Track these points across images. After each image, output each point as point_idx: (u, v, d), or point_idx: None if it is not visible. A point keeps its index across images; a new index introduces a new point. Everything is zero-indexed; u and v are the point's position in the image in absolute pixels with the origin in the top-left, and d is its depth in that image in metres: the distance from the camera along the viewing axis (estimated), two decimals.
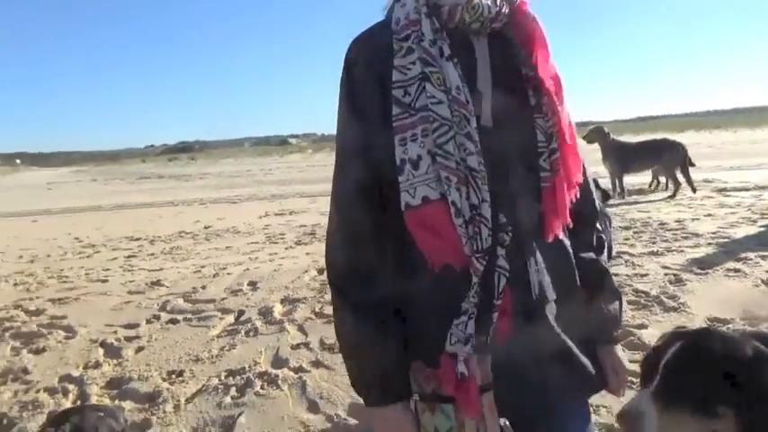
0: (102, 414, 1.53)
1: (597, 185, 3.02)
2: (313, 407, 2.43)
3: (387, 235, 0.86)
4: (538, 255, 0.87)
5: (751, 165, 12.01)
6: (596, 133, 9.07)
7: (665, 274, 3.88)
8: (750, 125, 42.86)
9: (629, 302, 3.38)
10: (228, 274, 4.88)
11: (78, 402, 2.60)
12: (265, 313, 3.67)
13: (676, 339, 1.00)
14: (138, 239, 7.18)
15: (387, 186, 0.83)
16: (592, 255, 0.99)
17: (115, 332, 3.49)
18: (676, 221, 5.91)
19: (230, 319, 3.65)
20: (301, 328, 3.37)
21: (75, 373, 2.91)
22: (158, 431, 2.33)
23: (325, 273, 0.96)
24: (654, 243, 4.91)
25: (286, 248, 5.92)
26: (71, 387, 2.78)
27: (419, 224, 0.81)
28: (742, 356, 0.93)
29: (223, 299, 4.09)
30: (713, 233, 5.18)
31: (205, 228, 7.94)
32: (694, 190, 8.20)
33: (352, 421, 2.28)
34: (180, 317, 3.72)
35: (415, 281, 0.85)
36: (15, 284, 4.96)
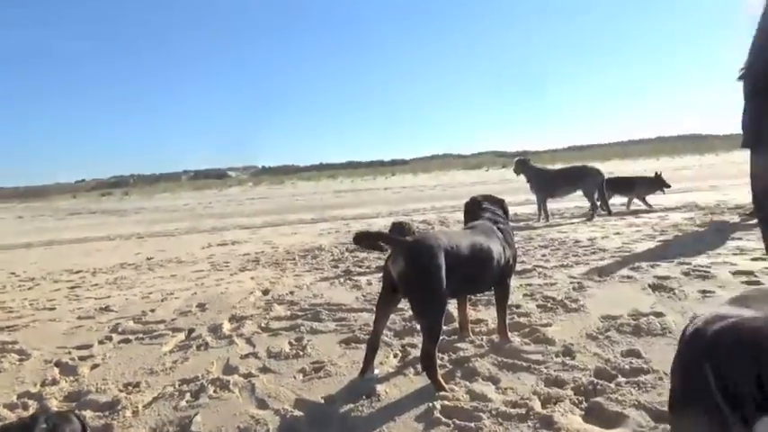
0: (55, 417, 1.78)
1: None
2: (262, 404, 2.73)
3: None
4: None
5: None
6: (520, 164, 9.85)
7: (570, 283, 4.46)
8: (672, 153, 46.51)
9: (539, 306, 3.90)
10: (176, 298, 5.09)
11: None
12: (215, 330, 3.94)
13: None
14: (78, 272, 7.20)
15: None
16: None
17: (69, 353, 3.66)
18: (588, 239, 6.59)
19: (181, 336, 3.89)
20: (249, 341, 3.66)
21: (33, 390, 3.08)
22: None
23: None
24: (566, 258, 5.51)
25: (231, 274, 6.17)
26: (30, 402, 2.94)
27: None
28: None
29: (173, 319, 4.32)
30: (618, 248, 5.86)
31: (147, 259, 8.03)
32: (609, 212, 9.07)
33: (298, 413, 2.60)
34: (132, 336, 3.93)
35: None
36: None
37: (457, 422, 2.36)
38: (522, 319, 3.63)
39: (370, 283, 5.04)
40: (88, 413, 2.75)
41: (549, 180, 9.62)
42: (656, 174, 10.22)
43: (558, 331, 3.37)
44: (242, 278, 5.88)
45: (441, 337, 3.36)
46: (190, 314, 4.46)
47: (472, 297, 4.13)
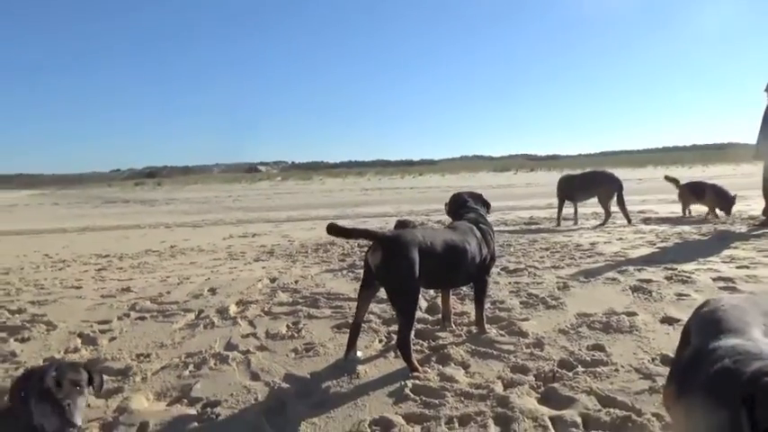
0: (67, 368, 2.10)
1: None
2: (254, 377, 3.05)
3: None
4: None
5: None
6: None
7: (556, 282, 4.70)
8: (708, 161, 45.94)
9: (521, 302, 4.16)
10: (191, 282, 5.50)
11: None
12: (222, 312, 4.30)
13: None
14: (106, 256, 7.69)
15: None
16: None
17: (91, 326, 4.07)
18: (590, 244, 6.78)
19: (191, 316, 4.27)
20: (251, 323, 4.01)
21: (57, 356, 3.48)
22: (128, 395, 2.91)
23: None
24: (562, 260, 5.73)
25: (245, 264, 6.57)
26: None
27: None
28: None
29: (185, 301, 4.71)
30: (614, 252, 6.05)
31: (171, 247, 8.50)
32: (629, 221, 8.96)
33: (285, 385, 2.93)
34: (147, 315, 4.33)
35: None
36: None
37: (424, 398, 2.65)
38: (503, 314, 3.89)
39: None
40: (103, 377, 3.13)
41: (568, 185, 9.69)
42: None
43: (533, 325, 3.63)
44: (254, 267, 6.27)
45: (425, 326, 3.68)
46: (201, 297, 4.86)
47: (461, 291, 4.41)
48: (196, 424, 2.54)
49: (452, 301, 4.11)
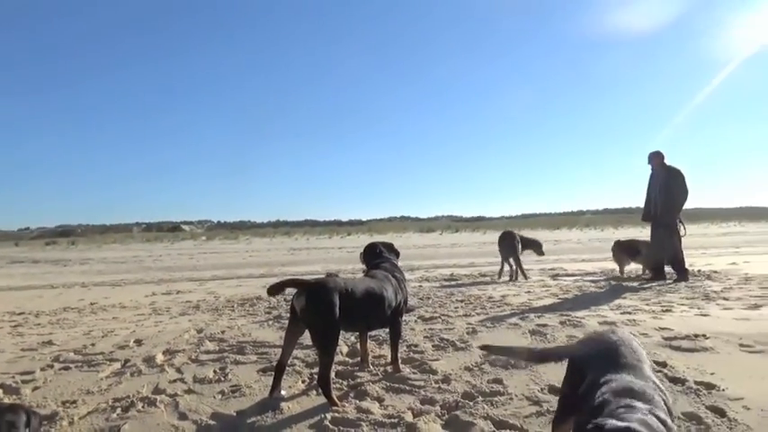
0: (4, 409, 2.23)
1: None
2: (182, 416, 3.23)
3: None
4: None
5: (596, 258, 14.39)
6: None
7: (466, 328, 5.17)
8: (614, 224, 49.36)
9: (434, 346, 4.58)
10: (116, 335, 5.53)
11: None
12: (148, 360, 4.42)
13: None
14: (21, 314, 7.45)
15: None
16: None
17: (12, 377, 4.07)
18: (501, 296, 7.37)
19: (117, 365, 4.35)
20: (179, 370, 4.16)
21: None
22: None
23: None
24: (474, 309, 6.25)
25: (170, 318, 6.62)
26: None
27: None
28: None
29: (111, 352, 4.76)
30: (521, 303, 6.66)
31: (91, 304, 8.34)
32: (525, 277, 9.78)
33: (212, 422, 3.13)
34: (72, 365, 4.36)
35: None
36: None
37: (341, 428, 2.96)
38: (417, 355, 4.28)
39: None
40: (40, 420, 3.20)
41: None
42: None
43: (442, 364, 4.04)
44: (180, 320, 6.36)
45: (345, 368, 4.00)
46: (127, 348, 4.93)
47: (379, 336, 4.77)
48: None
49: (371, 345, 4.46)
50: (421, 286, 9.08)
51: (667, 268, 8.89)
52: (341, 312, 3.32)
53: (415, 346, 4.59)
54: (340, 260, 20.76)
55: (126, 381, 3.94)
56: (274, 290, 3.38)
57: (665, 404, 1.68)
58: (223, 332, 5.47)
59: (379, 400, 3.40)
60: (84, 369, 4.27)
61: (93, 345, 5.09)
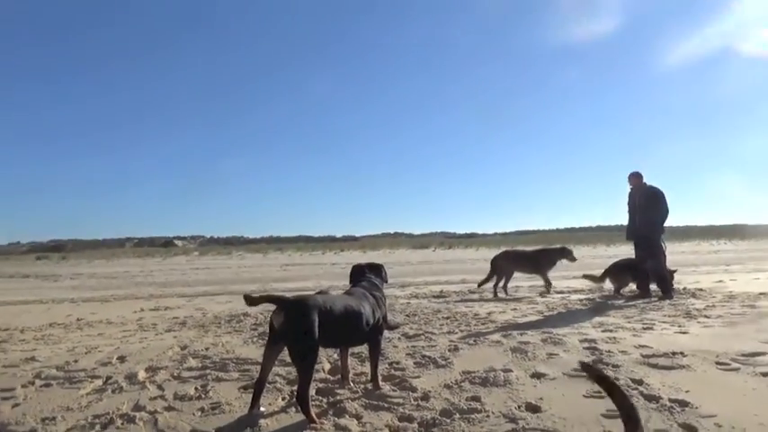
0: None
1: None
2: None
3: None
4: None
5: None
6: None
7: (449, 345, 5.21)
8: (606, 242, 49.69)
9: (415, 363, 4.62)
10: (100, 352, 5.52)
11: None
12: (130, 377, 4.43)
13: None
14: (6, 330, 7.42)
15: None
16: None
17: None
18: (487, 313, 7.42)
19: (99, 382, 4.35)
20: (160, 387, 4.17)
21: None
22: None
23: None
24: (459, 327, 6.30)
25: (156, 334, 6.62)
26: None
27: None
28: None
29: (93, 368, 4.77)
30: (506, 320, 6.71)
31: (78, 320, 8.31)
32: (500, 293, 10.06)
33: None
34: (54, 382, 4.37)
35: None
36: None
37: None
38: (398, 372, 4.32)
39: None
40: None
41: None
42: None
43: (423, 381, 4.07)
44: (165, 337, 6.36)
45: (326, 385, 4.03)
46: (110, 365, 4.93)
47: (362, 354, 4.80)
48: None
49: (353, 363, 4.50)
50: (409, 303, 9.11)
51: (653, 286, 8.97)
52: (319, 329, 3.36)
53: (397, 363, 4.62)
54: (333, 276, 20.75)
55: (107, 398, 3.95)
56: (252, 301, 3.41)
57: None
58: (207, 349, 5.49)
59: (358, 417, 3.42)
60: (66, 386, 4.27)
61: (75, 361, 5.09)
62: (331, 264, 31.83)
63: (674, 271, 9.75)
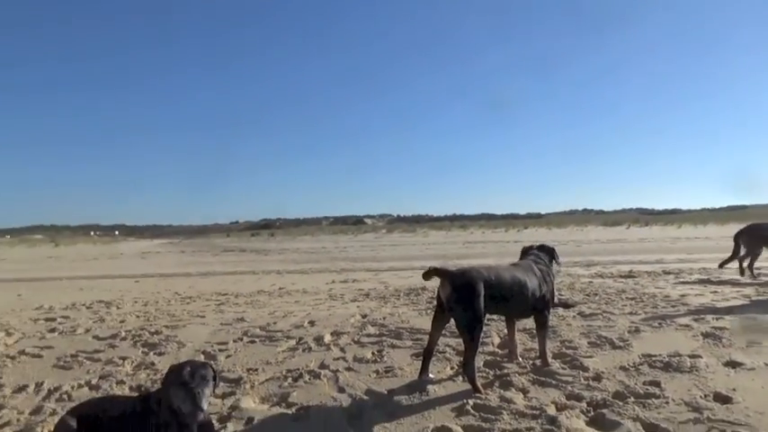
0: (199, 365, 2.70)
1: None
2: (341, 390, 3.60)
3: None
4: None
5: None
6: None
7: (629, 327, 4.88)
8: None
9: (589, 342, 4.42)
10: (294, 316, 6.25)
11: None
12: (318, 339, 4.95)
13: None
14: (225, 294, 8.72)
15: None
16: None
17: (212, 346, 4.87)
18: (680, 296, 6.74)
19: (293, 342, 4.94)
20: (342, 349, 4.61)
21: None
22: (239, 397, 3.55)
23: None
24: (643, 308, 5.84)
25: (342, 303, 7.25)
26: None
27: None
28: None
29: (288, 330, 5.43)
30: (701, 304, 6.05)
31: (279, 288, 9.43)
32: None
33: (365, 398, 3.45)
34: (257, 339, 5.08)
35: None
36: (138, 317, 6.57)
37: (482, 414, 3.08)
38: (569, 351, 4.19)
39: None
40: (220, 384, 3.82)
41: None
42: None
43: (596, 362, 3.90)
44: (349, 306, 6.94)
45: (494, 358, 4.09)
46: (302, 328, 5.56)
47: (533, 330, 4.73)
48: (291, 421, 3.13)
49: (523, 338, 4.47)
50: (591, 282, 8.66)
51: None
52: (485, 300, 3.41)
53: (569, 341, 4.48)
54: (515, 253, 20.40)
55: (298, 355, 4.48)
56: (426, 275, 3.61)
57: None
58: (385, 318, 5.88)
59: (524, 391, 3.43)
60: (266, 343, 4.94)
61: (275, 323, 5.84)
62: (513, 242, 31.29)
63: None
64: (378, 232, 54.03)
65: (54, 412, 3.28)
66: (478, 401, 3.24)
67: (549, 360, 3.90)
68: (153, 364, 4.37)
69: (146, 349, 4.86)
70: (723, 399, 3.15)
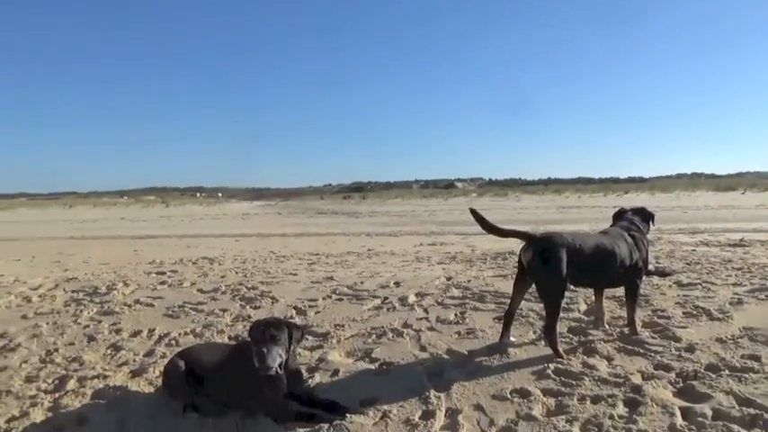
0: (272, 325, 2.83)
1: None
2: (422, 348, 3.69)
3: None
4: None
5: None
6: None
7: (730, 298, 4.57)
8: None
9: (684, 313, 4.21)
10: (381, 277, 6.43)
11: None
12: (402, 300, 5.08)
13: None
14: (316, 254, 9.11)
15: None
16: None
17: (303, 302, 5.16)
18: None
19: (378, 301, 5.11)
20: (425, 310, 4.70)
21: None
22: (326, 351, 3.75)
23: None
24: (750, 279, 5.42)
25: (428, 265, 7.35)
26: None
27: None
28: None
29: (374, 290, 5.61)
30: None
31: (368, 250, 9.69)
32: None
33: (446, 357, 3.52)
34: (345, 297, 5.31)
35: None
36: (237, 273, 7.06)
37: (563, 379, 3.06)
38: (661, 321, 4.02)
39: None
40: (310, 339, 4.05)
41: None
42: None
43: (690, 333, 3.72)
44: (435, 268, 7.02)
45: (579, 324, 4.01)
46: (387, 288, 5.72)
47: (622, 298, 4.57)
48: (374, 376, 3.27)
49: (612, 306, 4.34)
50: (694, 250, 8.15)
51: None
52: (567, 267, 3.34)
53: (662, 311, 4.29)
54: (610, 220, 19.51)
55: (383, 314, 4.63)
56: (500, 232, 3.56)
57: None
58: (469, 281, 5.90)
59: (608, 358, 3.35)
60: (353, 301, 5.14)
61: (362, 283, 6.04)
62: (612, 207, 29.60)
63: None
64: (468, 196, 53.45)
65: (164, 355, 3.65)
66: (560, 366, 3.21)
67: (639, 329, 3.76)
68: (249, 316, 4.69)
69: (243, 303, 5.22)
70: None
